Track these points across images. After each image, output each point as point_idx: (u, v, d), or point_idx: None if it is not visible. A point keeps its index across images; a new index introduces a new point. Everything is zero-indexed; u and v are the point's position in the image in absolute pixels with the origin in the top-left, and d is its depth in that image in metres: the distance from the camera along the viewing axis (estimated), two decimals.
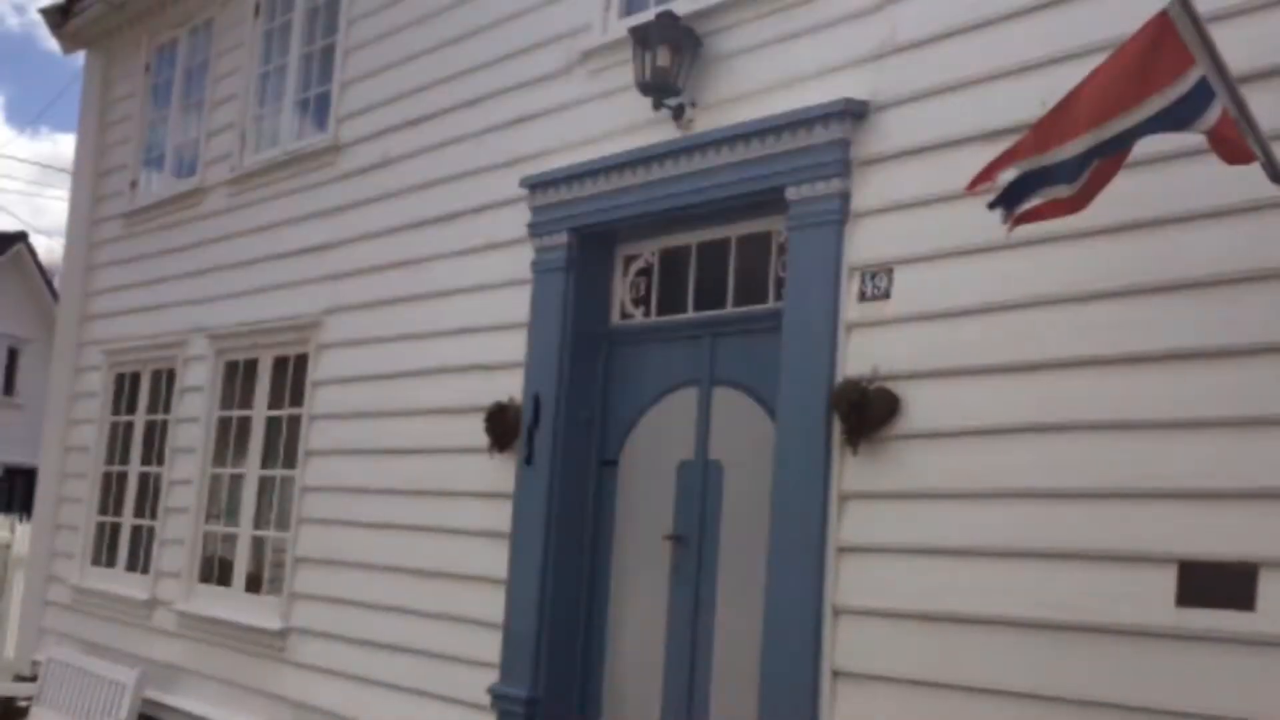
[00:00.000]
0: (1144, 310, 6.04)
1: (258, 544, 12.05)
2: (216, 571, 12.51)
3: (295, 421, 11.70)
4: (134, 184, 15.09)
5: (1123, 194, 5.71)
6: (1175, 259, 5.94)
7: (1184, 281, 5.91)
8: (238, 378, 12.70)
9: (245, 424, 12.45)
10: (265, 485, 12.08)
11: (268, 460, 12.09)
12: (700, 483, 8.36)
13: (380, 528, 10.38)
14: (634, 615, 8.67)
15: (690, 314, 8.67)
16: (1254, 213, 5.68)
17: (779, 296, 7.96)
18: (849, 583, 7.06)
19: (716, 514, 8.24)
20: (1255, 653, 5.48)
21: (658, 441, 8.71)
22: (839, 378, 7.26)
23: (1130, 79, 4.81)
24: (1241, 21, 5.86)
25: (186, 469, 13.07)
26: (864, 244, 7.32)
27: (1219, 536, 5.65)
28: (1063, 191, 5.11)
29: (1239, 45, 5.63)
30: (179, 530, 12.97)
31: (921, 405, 6.89)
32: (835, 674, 7.03)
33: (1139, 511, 5.93)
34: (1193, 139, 5.14)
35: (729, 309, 8.41)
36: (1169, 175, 5.97)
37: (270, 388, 12.18)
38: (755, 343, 8.10)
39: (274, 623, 11.26)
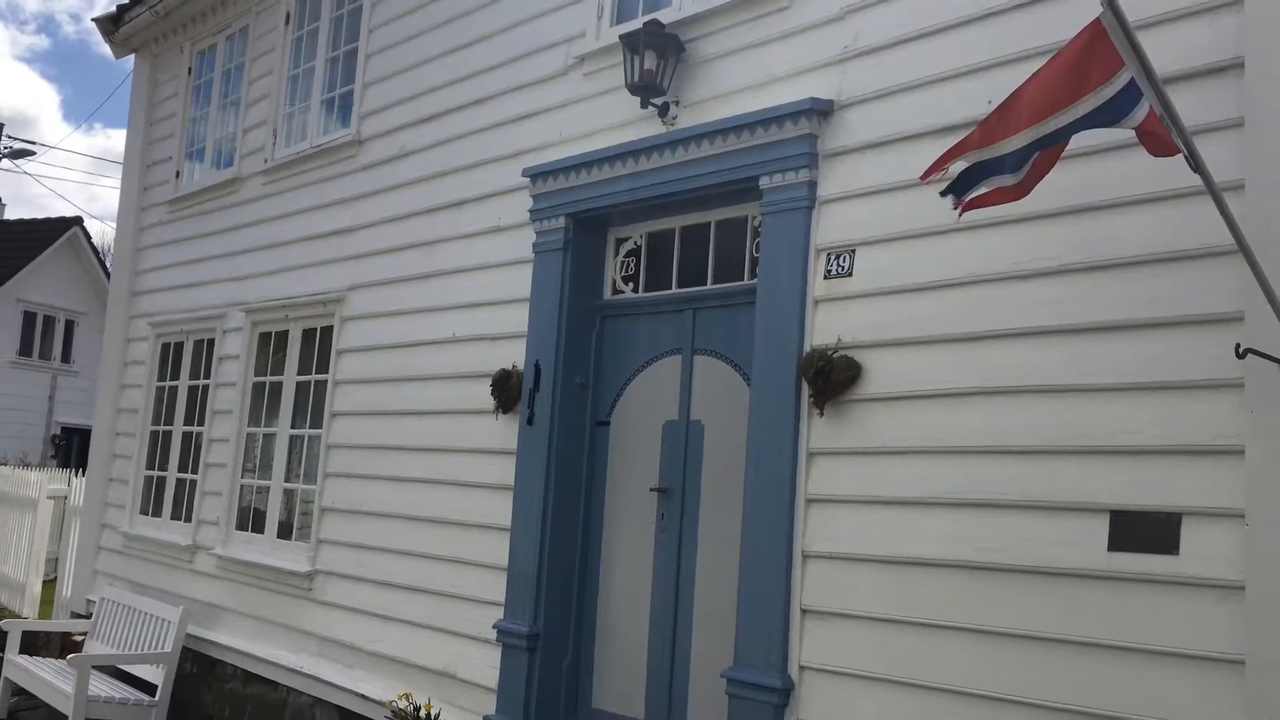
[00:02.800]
0: (1079, 287, 6.03)
1: (288, 495, 12.04)
2: (251, 520, 12.50)
3: (322, 386, 11.68)
4: (178, 174, 15.05)
5: (1061, 183, 5.71)
6: (1107, 241, 5.94)
7: (1114, 261, 5.90)
8: (270, 347, 12.68)
9: (277, 388, 12.43)
10: (295, 443, 12.06)
11: (297, 420, 12.07)
12: (683, 440, 8.36)
13: (397, 481, 10.38)
14: (624, 559, 8.66)
15: (674, 290, 8.66)
16: (1176, 200, 5.68)
17: (753, 274, 7.95)
18: (815, 530, 7.06)
19: (698, 468, 8.24)
20: (1178, 592, 5.49)
21: (645, 404, 8.70)
22: (807, 347, 7.26)
23: (1067, 80, 4.79)
24: (1167, 29, 5.85)
25: (225, 428, 13.05)
26: (829, 228, 7.30)
27: (1146, 488, 5.66)
28: (1007, 181, 5.10)
29: (1164, 50, 5.63)
30: (218, 483, 12.97)
31: (880, 372, 6.89)
32: (804, 612, 7.04)
33: (1074, 466, 5.94)
34: (1123, 134, 5.12)
35: (709, 286, 8.39)
36: (1101, 166, 5.97)
37: (299, 356, 12.16)
38: (732, 316, 8.09)
39: (302, 566, 11.27)
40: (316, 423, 11.69)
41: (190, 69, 15.30)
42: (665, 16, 8.56)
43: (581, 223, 9.05)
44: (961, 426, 6.45)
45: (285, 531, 11.95)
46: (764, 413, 7.41)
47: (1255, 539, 5.26)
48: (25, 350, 37.58)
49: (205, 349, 13.84)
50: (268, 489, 12.27)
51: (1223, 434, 5.45)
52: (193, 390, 14.00)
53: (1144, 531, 5.64)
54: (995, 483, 6.25)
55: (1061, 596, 5.90)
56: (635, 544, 8.59)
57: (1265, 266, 5.02)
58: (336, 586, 10.86)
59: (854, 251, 7.14)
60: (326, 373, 11.62)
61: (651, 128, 8.58)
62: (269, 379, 12.60)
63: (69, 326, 38.85)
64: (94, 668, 11.96)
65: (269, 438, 12.45)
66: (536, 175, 9.26)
